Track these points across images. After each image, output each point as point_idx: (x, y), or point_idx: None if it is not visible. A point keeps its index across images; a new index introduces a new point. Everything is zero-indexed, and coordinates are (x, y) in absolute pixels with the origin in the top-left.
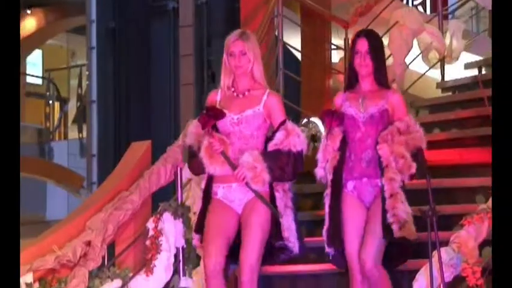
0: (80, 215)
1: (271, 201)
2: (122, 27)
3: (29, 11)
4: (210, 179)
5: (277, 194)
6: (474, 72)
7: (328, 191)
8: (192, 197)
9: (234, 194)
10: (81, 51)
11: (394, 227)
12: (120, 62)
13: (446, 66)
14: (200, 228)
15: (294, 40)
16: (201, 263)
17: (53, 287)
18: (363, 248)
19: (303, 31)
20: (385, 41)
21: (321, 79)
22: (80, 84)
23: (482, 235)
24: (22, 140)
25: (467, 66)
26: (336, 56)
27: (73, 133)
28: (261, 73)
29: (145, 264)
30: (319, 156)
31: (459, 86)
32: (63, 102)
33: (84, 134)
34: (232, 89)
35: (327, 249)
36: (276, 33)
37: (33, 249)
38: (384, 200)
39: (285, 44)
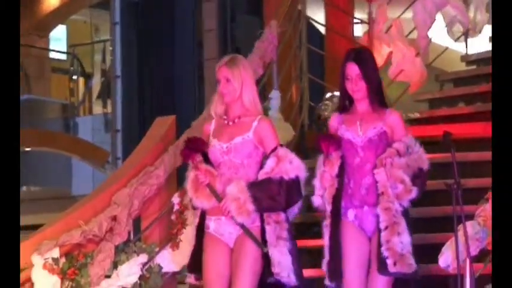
0: (106, 190)
1: (262, 235)
2: (146, 1)
3: None
4: (203, 212)
5: (267, 227)
6: None
7: (327, 222)
8: None
9: (224, 228)
10: (105, 26)
11: (389, 261)
12: (143, 36)
13: (470, 40)
14: (195, 266)
15: (317, 14)
16: None
17: (79, 261)
18: (370, 284)
19: (326, 5)
20: (409, 14)
21: (344, 52)
22: (104, 59)
23: None
24: (47, 116)
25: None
26: (360, 30)
27: (97, 108)
28: (251, 99)
29: (171, 239)
30: (316, 183)
31: (483, 59)
32: (88, 77)
33: (109, 109)
34: (224, 117)
35: (328, 284)
36: (300, 8)
37: (59, 224)
38: (379, 231)
39: (308, 19)
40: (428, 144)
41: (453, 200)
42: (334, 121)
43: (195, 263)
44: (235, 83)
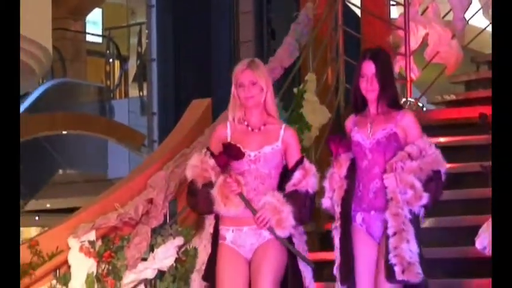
0: (142, 173)
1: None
2: None
3: None
4: (217, 220)
5: (295, 240)
6: None
7: (337, 224)
8: None
9: (244, 239)
10: (141, 10)
11: (397, 269)
12: (179, 19)
13: None
14: (210, 275)
15: None
16: None
17: (115, 244)
18: None
19: None
20: None
21: (380, 35)
22: (139, 43)
23: None
24: (83, 99)
25: None
26: (396, 12)
27: (133, 91)
28: (273, 105)
29: None
30: (326, 185)
31: None
32: (124, 60)
33: (145, 92)
34: (246, 123)
35: (340, 287)
36: None
37: (96, 207)
38: (387, 237)
39: (344, 1)
40: (465, 127)
41: (490, 182)
42: (349, 122)
43: (210, 272)
44: (262, 85)
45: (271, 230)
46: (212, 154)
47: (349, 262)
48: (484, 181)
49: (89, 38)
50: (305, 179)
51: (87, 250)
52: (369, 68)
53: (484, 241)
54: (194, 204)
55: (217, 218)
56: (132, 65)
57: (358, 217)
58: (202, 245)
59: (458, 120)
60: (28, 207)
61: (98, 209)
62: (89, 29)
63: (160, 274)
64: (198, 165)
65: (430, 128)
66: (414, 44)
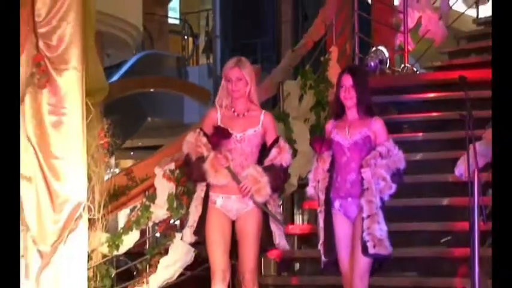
0: None
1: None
2: None
3: None
4: (207, 187)
5: (269, 206)
6: None
7: (321, 208)
8: None
9: (232, 205)
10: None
11: (369, 244)
12: (237, 5)
13: (481, 7)
14: (199, 232)
15: None
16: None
17: None
18: (353, 262)
19: None
20: None
21: (386, 17)
22: (207, 24)
23: None
24: (166, 65)
25: None
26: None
27: (203, 60)
28: (256, 95)
29: None
30: (310, 176)
31: (489, 21)
32: (195, 37)
33: (211, 60)
34: (232, 109)
35: (324, 259)
36: None
37: (174, 145)
38: (362, 219)
39: None
40: (448, 85)
41: (466, 126)
42: (329, 126)
43: (200, 229)
44: (248, 80)
45: (252, 197)
46: (205, 134)
47: (331, 239)
48: (461, 125)
49: (170, 20)
50: (280, 155)
51: (168, 177)
52: (347, 80)
53: (461, 170)
54: (189, 174)
55: (208, 185)
56: (202, 41)
57: (337, 203)
58: (193, 206)
59: (443, 81)
60: (125, 145)
61: (176, 146)
62: (170, 13)
63: None
64: (192, 141)
65: (422, 86)
66: (411, 23)
